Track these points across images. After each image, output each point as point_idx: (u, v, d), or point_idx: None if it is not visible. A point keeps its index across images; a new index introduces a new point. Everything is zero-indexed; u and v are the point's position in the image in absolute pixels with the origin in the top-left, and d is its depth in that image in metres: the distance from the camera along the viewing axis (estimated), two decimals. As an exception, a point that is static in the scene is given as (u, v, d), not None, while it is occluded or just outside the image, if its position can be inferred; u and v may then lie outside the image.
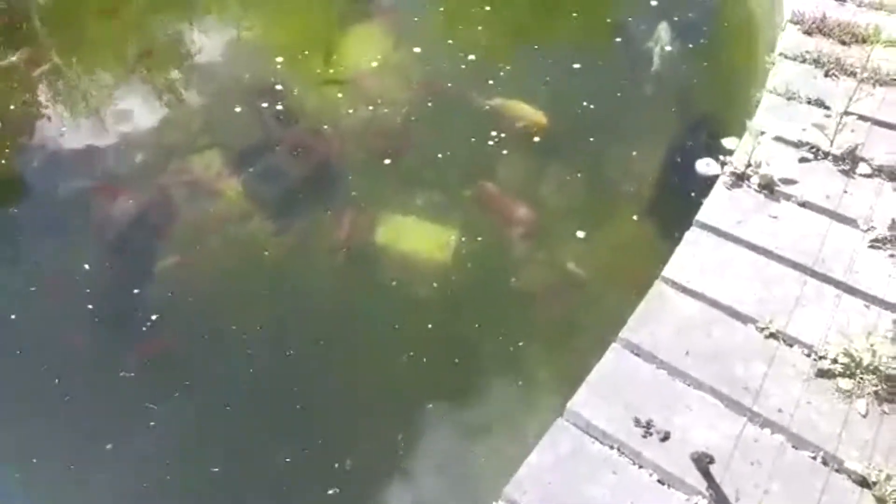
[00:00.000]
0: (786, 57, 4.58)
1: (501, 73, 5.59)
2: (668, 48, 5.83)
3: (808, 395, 2.85)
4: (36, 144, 5.28)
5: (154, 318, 4.05)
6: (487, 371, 3.90)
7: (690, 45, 5.94)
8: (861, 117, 3.96)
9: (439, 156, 4.96)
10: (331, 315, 4.17)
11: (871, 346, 2.90)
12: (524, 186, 4.82)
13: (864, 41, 4.59)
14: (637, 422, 2.79)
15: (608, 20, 6.41)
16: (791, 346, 3.03)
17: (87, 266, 4.32)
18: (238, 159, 5.02)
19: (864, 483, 2.59)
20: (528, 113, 5.20)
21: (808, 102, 4.20)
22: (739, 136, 3.96)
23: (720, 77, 5.77)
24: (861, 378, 2.87)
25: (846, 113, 3.84)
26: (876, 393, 2.83)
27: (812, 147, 3.90)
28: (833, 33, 4.69)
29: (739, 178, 3.76)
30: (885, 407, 2.80)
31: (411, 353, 3.90)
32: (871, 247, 3.40)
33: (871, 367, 2.86)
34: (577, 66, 5.66)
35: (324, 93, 5.56)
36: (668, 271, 3.35)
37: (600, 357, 3.04)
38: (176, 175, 4.94)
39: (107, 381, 3.84)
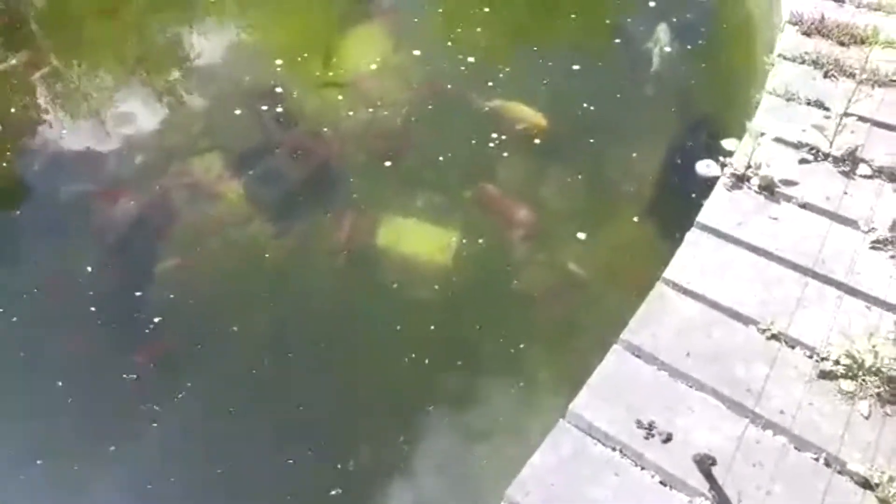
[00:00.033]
0: (785, 58, 4.59)
1: (501, 75, 5.59)
2: (668, 49, 5.85)
3: (811, 397, 2.86)
4: (36, 147, 5.28)
5: (156, 320, 4.06)
6: (489, 372, 3.90)
7: (689, 47, 5.95)
8: (861, 118, 3.97)
9: (440, 158, 4.97)
10: (332, 317, 4.17)
11: (873, 347, 2.90)
12: (525, 188, 4.83)
13: (862, 42, 4.60)
14: (639, 423, 2.80)
15: (607, 21, 6.41)
16: (793, 347, 3.04)
17: (88, 268, 4.32)
18: (238, 162, 5.02)
19: (866, 485, 2.60)
20: (528, 114, 5.20)
21: (808, 103, 4.22)
22: (739, 137, 3.97)
23: (719, 78, 5.78)
24: (863, 380, 2.87)
25: (846, 114, 3.84)
26: (878, 394, 2.84)
27: (812, 148, 3.91)
28: (832, 34, 4.70)
29: (739, 180, 3.77)
30: (888, 408, 2.81)
31: (413, 355, 3.90)
32: (873, 248, 3.41)
33: (874, 369, 2.87)
34: (576, 67, 5.67)
35: (324, 95, 5.56)
36: (668, 273, 3.36)
37: (601, 358, 3.04)
38: (176, 177, 4.94)
39: (109, 382, 3.84)
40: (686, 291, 3.28)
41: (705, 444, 2.72)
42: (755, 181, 3.73)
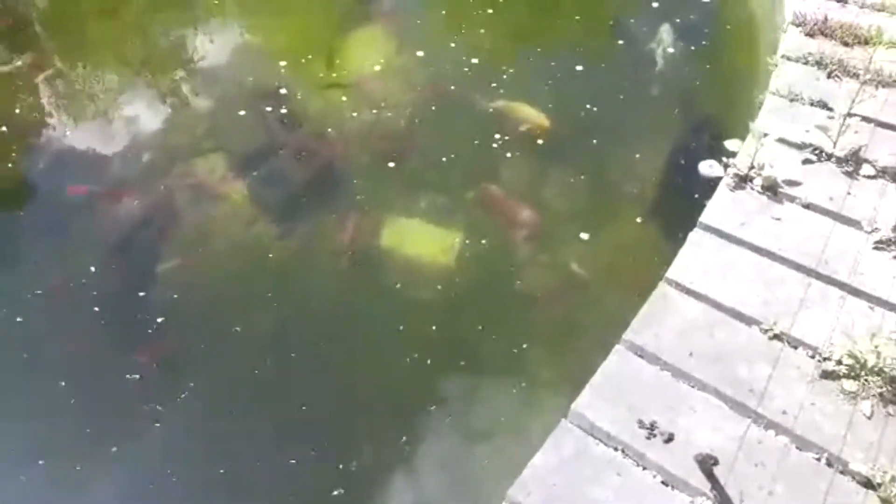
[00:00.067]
0: (788, 58, 4.58)
1: (504, 76, 5.60)
2: (671, 50, 5.85)
3: (813, 397, 2.85)
4: (41, 148, 5.30)
5: (159, 320, 4.06)
6: (491, 373, 3.91)
7: (692, 47, 5.95)
8: (864, 119, 3.96)
9: (443, 159, 4.97)
10: (335, 318, 4.18)
11: (876, 347, 2.89)
12: (528, 189, 4.83)
13: (866, 43, 4.60)
14: (641, 423, 2.79)
15: (610, 22, 6.42)
16: (795, 347, 3.03)
17: (92, 268, 4.33)
18: (242, 163, 5.03)
19: (868, 484, 2.59)
20: (532, 115, 5.21)
21: (811, 104, 4.21)
22: (742, 137, 3.96)
23: (722, 79, 5.78)
24: (866, 379, 2.86)
25: (849, 114, 3.84)
26: (881, 394, 2.83)
27: (815, 149, 3.90)
28: (835, 35, 4.69)
29: (742, 180, 3.76)
30: (890, 408, 2.80)
31: (415, 355, 3.90)
32: (876, 248, 3.40)
33: (876, 369, 2.86)
34: (579, 68, 5.67)
35: (327, 96, 5.58)
36: (671, 273, 3.35)
37: (604, 359, 3.04)
38: (180, 178, 4.95)
39: (112, 382, 3.85)
40: (689, 292, 3.27)
41: (707, 444, 2.71)
42: (758, 181, 3.72)
